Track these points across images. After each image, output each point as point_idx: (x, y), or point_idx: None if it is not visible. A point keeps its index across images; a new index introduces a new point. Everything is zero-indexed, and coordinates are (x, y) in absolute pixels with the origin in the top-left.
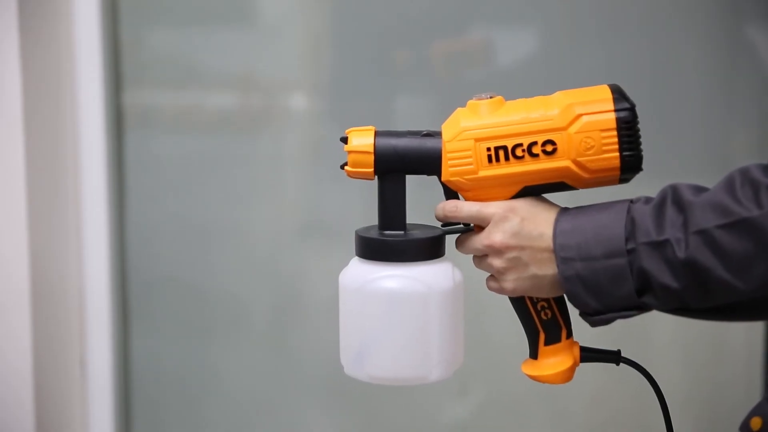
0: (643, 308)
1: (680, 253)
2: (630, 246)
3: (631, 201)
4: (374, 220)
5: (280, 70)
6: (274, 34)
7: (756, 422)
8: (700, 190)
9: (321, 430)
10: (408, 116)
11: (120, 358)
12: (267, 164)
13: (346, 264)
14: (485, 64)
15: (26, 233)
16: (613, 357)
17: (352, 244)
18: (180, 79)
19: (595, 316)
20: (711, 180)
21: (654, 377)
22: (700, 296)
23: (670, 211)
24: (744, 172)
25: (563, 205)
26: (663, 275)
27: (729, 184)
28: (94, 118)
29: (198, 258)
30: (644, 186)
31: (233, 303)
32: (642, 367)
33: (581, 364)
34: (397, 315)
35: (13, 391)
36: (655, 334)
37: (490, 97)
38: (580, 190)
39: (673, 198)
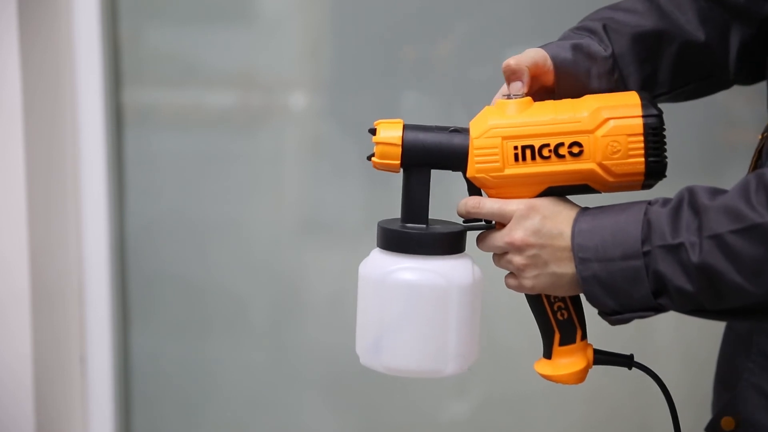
0: (660, 309)
1: (694, 257)
2: (646, 248)
3: (649, 203)
4: (373, 218)
5: (280, 67)
6: (273, 31)
7: (728, 422)
8: (716, 193)
9: (320, 428)
10: (408, 114)
11: (120, 356)
12: (266, 162)
13: (346, 262)
14: (487, 63)
15: (26, 231)
16: (626, 361)
17: (351, 242)
18: (179, 77)
19: (613, 316)
20: (708, 182)
21: (664, 382)
22: (714, 299)
23: (686, 215)
24: (759, 177)
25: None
26: (678, 278)
27: (744, 189)
28: (93, 115)
29: (197, 256)
30: None
31: (233, 300)
32: (654, 373)
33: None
34: (416, 307)
35: (13, 388)
36: (656, 334)
37: (520, 97)
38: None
39: (689, 201)
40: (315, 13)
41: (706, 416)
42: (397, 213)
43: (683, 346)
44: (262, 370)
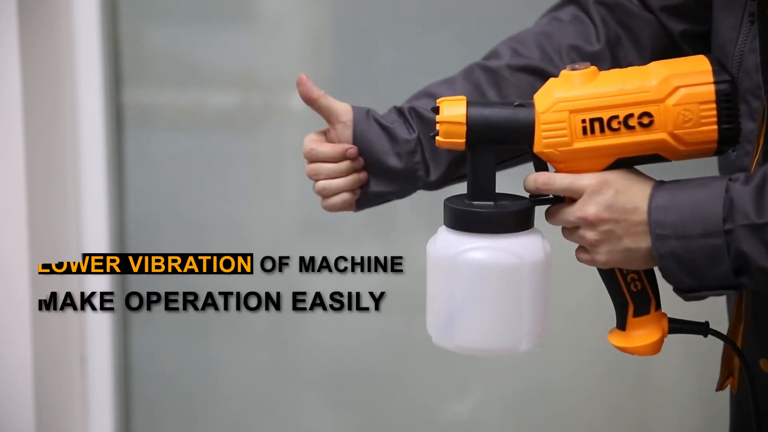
0: (738, 287)
1: None
2: (728, 227)
3: (730, 179)
4: (373, 218)
5: (280, 67)
6: (273, 31)
7: (766, 363)
8: None
9: (320, 428)
10: None
11: (120, 356)
12: (267, 162)
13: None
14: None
15: (26, 231)
16: (701, 328)
17: (351, 242)
18: (180, 77)
19: (689, 293)
20: (707, 173)
21: (743, 357)
22: None
23: None
24: None
25: None
26: (761, 258)
27: None
28: (93, 115)
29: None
30: None
31: (233, 300)
32: (730, 340)
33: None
34: (489, 287)
35: (13, 388)
36: None
37: (585, 68)
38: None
39: None
40: (315, 13)
41: (709, 416)
42: (397, 213)
43: (684, 344)
44: (262, 370)
